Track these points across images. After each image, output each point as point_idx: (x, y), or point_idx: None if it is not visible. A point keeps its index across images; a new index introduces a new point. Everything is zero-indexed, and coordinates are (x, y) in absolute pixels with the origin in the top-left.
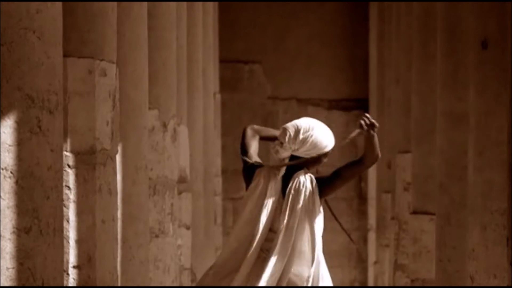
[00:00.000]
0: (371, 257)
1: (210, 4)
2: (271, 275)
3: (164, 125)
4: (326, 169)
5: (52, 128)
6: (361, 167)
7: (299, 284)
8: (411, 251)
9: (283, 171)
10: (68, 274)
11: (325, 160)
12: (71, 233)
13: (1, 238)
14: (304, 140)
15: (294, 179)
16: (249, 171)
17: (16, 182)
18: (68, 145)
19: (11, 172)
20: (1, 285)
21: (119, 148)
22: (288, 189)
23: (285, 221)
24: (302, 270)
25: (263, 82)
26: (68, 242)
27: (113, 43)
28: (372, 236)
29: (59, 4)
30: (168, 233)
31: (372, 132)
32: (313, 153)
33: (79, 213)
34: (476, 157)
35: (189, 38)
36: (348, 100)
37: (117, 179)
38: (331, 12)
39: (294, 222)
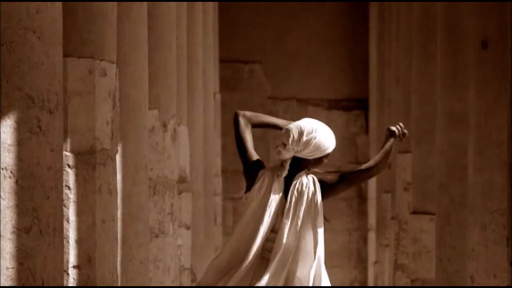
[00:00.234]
0: (371, 257)
1: (210, 4)
2: (273, 275)
3: (164, 125)
4: (326, 169)
5: (52, 128)
6: (369, 173)
7: (301, 285)
8: (411, 251)
9: (286, 172)
10: (68, 274)
11: (325, 160)
12: (71, 233)
13: (1, 238)
14: (308, 142)
15: (297, 180)
16: (251, 171)
17: (16, 182)
18: (68, 145)
19: (11, 172)
20: (1, 285)
21: (119, 148)
22: (290, 190)
23: (288, 222)
24: (304, 271)
25: (263, 82)
26: (68, 242)
27: (113, 43)
28: (372, 236)
29: (59, 4)
30: (168, 233)
31: (400, 141)
32: (316, 155)
33: (79, 213)
34: (476, 157)
35: (189, 38)
36: (348, 100)
37: (117, 179)
38: (331, 12)
39: (297, 223)
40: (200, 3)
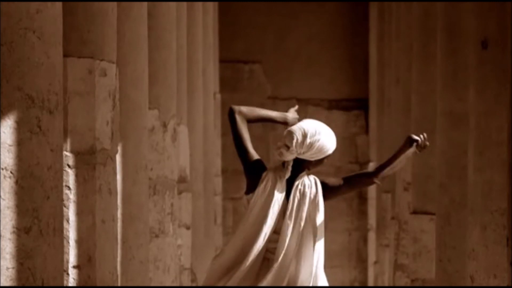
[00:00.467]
0: (371, 257)
1: (210, 4)
2: (276, 276)
3: (164, 125)
4: (326, 169)
5: (52, 128)
6: (374, 179)
7: (302, 285)
8: (411, 251)
9: (288, 174)
10: (68, 274)
11: (325, 160)
12: (71, 233)
13: (1, 238)
14: (311, 145)
15: (299, 182)
16: (253, 172)
17: (16, 182)
18: (68, 145)
19: (11, 172)
20: (1, 285)
21: (119, 148)
22: (293, 191)
23: (291, 223)
24: (306, 271)
25: (263, 82)
26: (68, 242)
27: (113, 43)
28: (372, 236)
29: (59, 4)
30: (168, 233)
31: (420, 151)
32: (318, 157)
33: (79, 213)
34: (476, 157)
35: (189, 38)
36: (348, 100)
37: (117, 179)
38: (331, 12)
39: (299, 224)
40: (200, 3)
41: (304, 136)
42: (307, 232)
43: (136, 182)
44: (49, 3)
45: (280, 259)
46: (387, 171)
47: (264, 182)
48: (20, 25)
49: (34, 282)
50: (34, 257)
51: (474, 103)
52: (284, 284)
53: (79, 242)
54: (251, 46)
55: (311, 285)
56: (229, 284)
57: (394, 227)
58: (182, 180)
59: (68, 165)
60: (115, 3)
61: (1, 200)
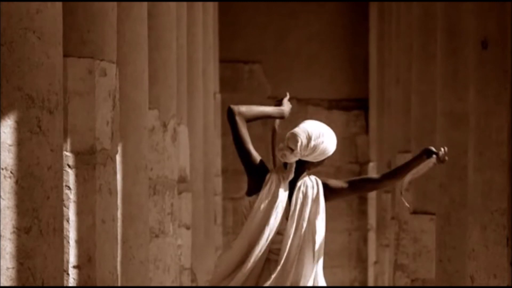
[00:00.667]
0: (371, 257)
1: (210, 4)
2: (280, 277)
3: (164, 125)
4: (326, 169)
5: (52, 128)
6: (377, 185)
7: (304, 285)
8: (411, 251)
9: (292, 175)
10: (68, 274)
11: (325, 161)
12: (71, 233)
13: (1, 238)
14: (316, 147)
15: (301, 183)
16: (256, 174)
17: (16, 182)
18: (68, 145)
19: (11, 172)
20: (1, 285)
21: (119, 148)
22: (295, 192)
23: (294, 224)
24: (307, 272)
25: (263, 82)
26: (68, 242)
27: (113, 43)
28: (372, 236)
29: (59, 4)
30: (168, 233)
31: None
32: (320, 158)
33: (79, 213)
34: (476, 157)
35: (189, 38)
36: (348, 100)
37: (117, 179)
38: (331, 12)
39: (302, 225)
40: (200, 3)
41: (309, 139)
42: (309, 232)
43: (136, 182)
44: (49, 3)
45: (283, 260)
46: (392, 179)
47: (268, 184)
48: (20, 25)
49: (34, 282)
50: (34, 257)
51: (474, 103)
52: (288, 285)
53: (79, 242)
54: (251, 46)
55: (311, 285)
56: (231, 285)
57: (394, 227)
58: (182, 180)
59: (68, 165)
60: (115, 3)
61: (1, 200)
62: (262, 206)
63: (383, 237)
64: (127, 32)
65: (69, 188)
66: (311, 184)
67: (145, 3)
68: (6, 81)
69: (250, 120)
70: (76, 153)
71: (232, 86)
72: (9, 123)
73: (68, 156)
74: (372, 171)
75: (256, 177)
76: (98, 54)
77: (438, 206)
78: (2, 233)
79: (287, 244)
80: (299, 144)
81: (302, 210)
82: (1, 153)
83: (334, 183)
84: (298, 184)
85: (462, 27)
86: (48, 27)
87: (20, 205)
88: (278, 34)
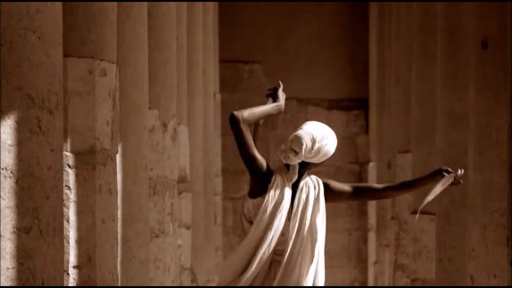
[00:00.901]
0: (371, 257)
1: (210, 4)
2: (283, 277)
3: (164, 125)
4: (326, 169)
5: (52, 128)
6: (380, 196)
7: (306, 284)
8: (411, 251)
9: (295, 177)
10: (68, 274)
11: (325, 161)
12: (71, 233)
13: (1, 238)
14: (319, 150)
15: (303, 184)
16: (262, 178)
17: (16, 182)
18: (68, 145)
19: (11, 172)
20: (1, 285)
21: (119, 148)
22: (298, 193)
23: (296, 224)
24: (309, 271)
25: (263, 82)
26: (68, 242)
27: (113, 43)
28: (372, 236)
29: (59, 4)
30: (168, 233)
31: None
32: (323, 159)
33: (79, 213)
34: (476, 157)
35: (189, 38)
36: (348, 100)
37: (117, 179)
38: (331, 12)
39: (305, 225)
40: (200, 3)
41: (313, 142)
42: (310, 232)
43: (136, 182)
44: (49, 3)
45: (285, 260)
46: (405, 192)
47: (274, 187)
48: (20, 25)
49: (34, 282)
50: (34, 257)
51: (474, 103)
52: (291, 285)
53: (79, 242)
54: (251, 46)
55: (312, 284)
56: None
57: (394, 227)
58: (182, 180)
59: (68, 165)
60: (115, 3)
61: (1, 200)
62: (269, 208)
63: (383, 237)
64: (127, 32)
65: (69, 188)
66: (312, 184)
67: (145, 3)
68: (6, 81)
69: (252, 123)
70: (76, 153)
71: (232, 86)
72: (9, 123)
73: (68, 156)
74: (372, 171)
75: (260, 180)
76: (98, 54)
77: (438, 206)
78: (2, 233)
79: (289, 244)
80: (303, 147)
81: (304, 210)
82: (1, 153)
83: (335, 184)
84: (300, 185)
85: (462, 27)
86: (48, 27)
87: (20, 205)
88: (278, 34)
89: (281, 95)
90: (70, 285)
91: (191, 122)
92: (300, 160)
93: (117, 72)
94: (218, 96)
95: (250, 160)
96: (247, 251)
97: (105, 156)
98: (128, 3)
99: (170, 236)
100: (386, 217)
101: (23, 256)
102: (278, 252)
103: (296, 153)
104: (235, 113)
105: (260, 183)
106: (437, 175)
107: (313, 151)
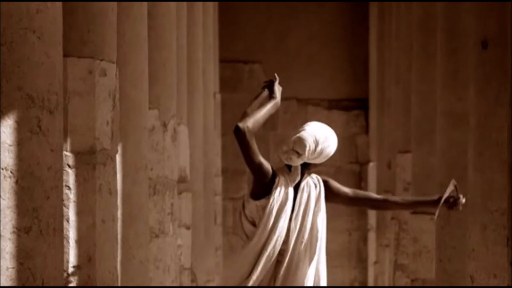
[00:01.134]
0: (371, 257)
1: (210, 4)
2: (285, 276)
3: (164, 125)
4: (326, 169)
5: (52, 128)
6: (378, 206)
7: (308, 283)
8: (411, 251)
9: (298, 177)
10: (68, 274)
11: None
12: (71, 233)
13: (1, 238)
14: (322, 151)
15: (304, 183)
16: (266, 179)
17: (16, 182)
18: (68, 145)
19: (11, 172)
20: (1, 285)
21: (119, 148)
22: (299, 194)
23: (298, 224)
24: (310, 270)
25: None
26: (68, 242)
27: (113, 43)
28: (372, 236)
29: (59, 4)
30: (168, 233)
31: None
32: (324, 160)
33: (79, 213)
34: (476, 157)
35: (189, 38)
36: (348, 100)
37: (117, 179)
38: (331, 12)
39: (307, 224)
40: (200, 3)
41: (316, 143)
42: (312, 231)
43: (136, 182)
44: (49, 3)
45: (287, 260)
46: (403, 209)
47: (278, 188)
48: (20, 25)
49: (34, 282)
50: (34, 257)
51: (474, 103)
52: (294, 285)
53: (79, 242)
54: (251, 46)
55: (314, 283)
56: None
57: (394, 227)
58: (182, 180)
59: (68, 165)
60: (115, 3)
61: (1, 200)
62: (274, 210)
63: (383, 237)
64: (127, 32)
65: (69, 188)
66: (313, 183)
67: (145, 3)
68: (6, 81)
69: (257, 131)
70: (76, 153)
71: (232, 86)
72: (9, 123)
73: (68, 156)
74: (372, 171)
75: (265, 183)
76: (98, 54)
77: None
78: (2, 233)
79: (291, 244)
80: (307, 149)
81: (305, 210)
82: (1, 153)
83: (335, 184)
84: (302, 185)
85: (462, 27)
86: (48, 27)
87: (20, 205)
88: (278, 34)
89: (277, 89)
90: (70, 285)
91: (191, 122)
92: (302, 161)
93: (117, 72)
94: (218, 96)
95: (257, 168)
96: (253, 254)
97: (105, 156)
98: (128, 3)
99: (170, 236)
100: (386, 217)
101: (23, 256)
102: (280, 251)
103: (299, 154)
104: (240, 125)
105: (264, 185)
106: (437, 203)
107: (316, 152)
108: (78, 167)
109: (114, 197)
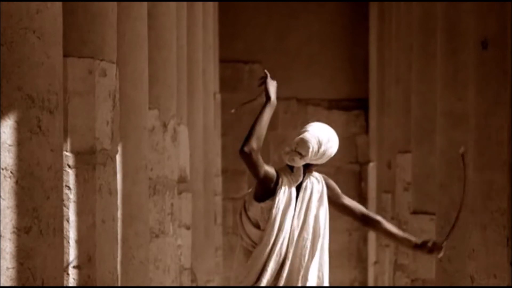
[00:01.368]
0: (371, 257)
1: (210, 4)
2: (289, 274)
3: (164, 125)
4: (326, 169)
5: (52, 128)
6: (369, 226)
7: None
8: (411, 251)
9: (301, 178)
10: (68, 274)
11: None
12: (71, 233)
13: (1, 238)
14: (324, 153)
15: (306, 182)
16: (270, 183)
17: (16, 182)
18: (68, 145)
19: (11, 172)
20: (1, 285)
21: (119, 148)
22: (302, 193)
23: (300, 223)
24: (313, 269)
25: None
26: (68, 242)
27: (113, 43)
28: (372, 236)
29: (59, 4)
30: (168, 233)
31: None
32: (325, 160)
33: (79, 213)
34: (476, 157)
35: (189, 38)
36: (348, 100)
37: (117, 179)
38: (331, 12)
39: (309, 223)
40: (200, 3)
41: (319, 145)
42: (314, 228)
43: (136, 182)
44: (49, 3)
45: (290, 259)
46: (392, 241)
47: (282, 189)
48: (20, 25)
49: (34, 282)
50: (34, 257)
51: (474, 103)
52: (298, 284)
53: (79, 242)
54: (251, 46)
55: (317, 279)
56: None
57: None
58: (182, 180)
59: (68, 165)
60: (115, 3)
61: (1, 200)
62: (280, 211)
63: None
64: (127, 32)
65: (69, 188)
66: (316, 182)
67: (145, 3)
68: (6, 81)
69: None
70: (76, 153)
71: (232, 86)
72: (9, 123)
73: (68, 156)
74: (372, 171)
75: (270, 186)
76: (98, 54)
77: (438, 206)
78: (2, 233)
79: (294, 241)
80: (310, 150)
81: (307, 209)
82: (1, 153)
83: (334, 186)
84: (304, 184)
85: (462, 27)
86: (48, 27)
87: (20, 205)
88: (278, 34)
89: (271, 85)
90: (70, 285)
91: (191, 122)
92: (304, 162)
93: (117, 72)
94: (218, 96)
95: (263, 178)
96: (261, 257)
97: (105, 156)
98: (128, 3)
99: (170, 236)
100: (386, 217)
101: (23, 256)
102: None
103: (302, 155)
104: (246, 149)
105: (269, 187)
106: (434, 251)
107: (319, 153)
108: (78, 167)
109: (114, 197)
